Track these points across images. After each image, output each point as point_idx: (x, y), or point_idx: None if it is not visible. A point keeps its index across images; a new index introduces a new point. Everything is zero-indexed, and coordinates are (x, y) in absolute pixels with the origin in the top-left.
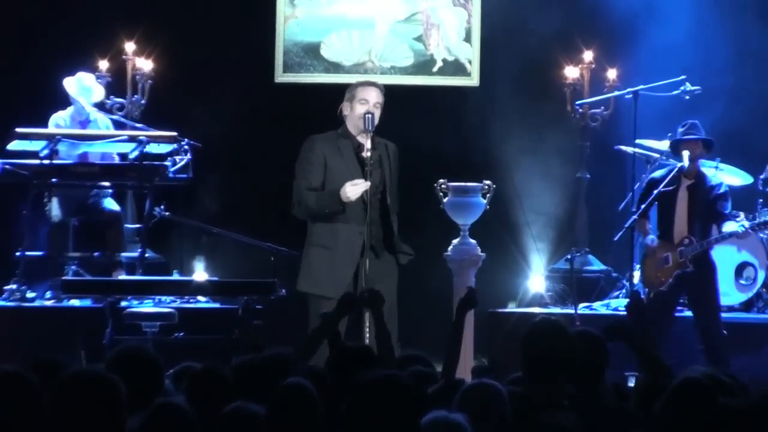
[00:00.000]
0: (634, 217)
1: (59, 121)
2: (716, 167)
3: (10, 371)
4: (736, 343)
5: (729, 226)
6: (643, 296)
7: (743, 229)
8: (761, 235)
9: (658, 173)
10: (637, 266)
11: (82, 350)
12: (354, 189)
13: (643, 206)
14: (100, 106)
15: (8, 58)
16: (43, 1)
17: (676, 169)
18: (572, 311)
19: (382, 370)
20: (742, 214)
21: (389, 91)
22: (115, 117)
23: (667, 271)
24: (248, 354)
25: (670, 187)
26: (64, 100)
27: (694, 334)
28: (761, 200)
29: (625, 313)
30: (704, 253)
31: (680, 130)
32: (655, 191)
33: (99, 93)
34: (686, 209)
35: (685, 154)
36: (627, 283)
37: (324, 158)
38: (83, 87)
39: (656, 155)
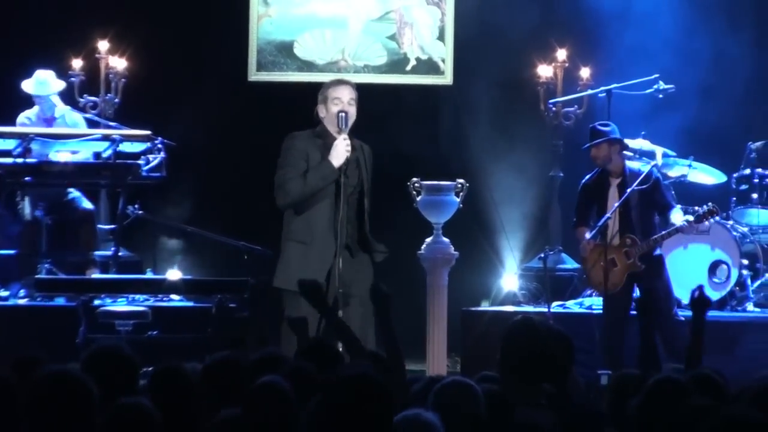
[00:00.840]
0: (608, 215)
1: (25, 120)
2: (689, 165)
3: None
4: (710, 341)
5: (675, 216)
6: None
7: (686, 223)
8: (734, 233)
9: (588, 178)
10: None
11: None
12: (343, 143)
13: (609, 213)
14: (73, 104)
15: None
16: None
17: (600, 171)
18: (545, 310)
19: (355, 367)
20: (701, 208)
21: (363, 90)
22: (88, 115)
23: (618, 274)
24: (230, 348)
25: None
26: (25, 102)
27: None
28: (735, 198)
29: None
30: (650, 251)
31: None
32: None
33: (56, 85)
34: (619, 209)
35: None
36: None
37: (306, 153)
38: (38, 81)
39: (630, 153)
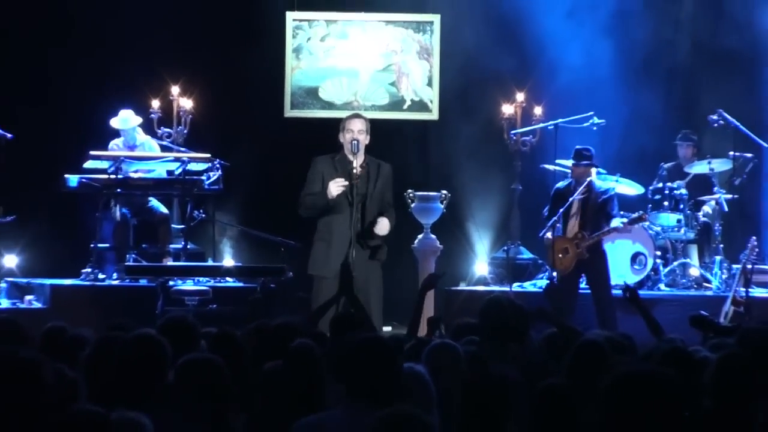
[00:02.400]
0: (554, 218)
1: (114, 146)
2: (617, 180)
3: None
4: (629, 314)
5: (615, 222)
6: (555, 279)
7: (621, 224)
8: (650, 231)
9: (561, 184)
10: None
11: None
12: (334, 185)
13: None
14: (153, 134)
15: (84, 98)
16: (110, 56)
17: (574, 182)
18: (508, 289)
19: (368, 333)
20: (634, 215)
21: (371, 124)
22: (164, 143)
23: (569, 259)
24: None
25: (581, 196)
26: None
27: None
28: (650, 205)
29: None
30: (596, 244)
31: (574, 156)
32: (571, 198)
33: (135, 120)
34: (579, 213)
35: (593, 171)
36: (548, 268)
37: (322, 174)
38: (122, 119)
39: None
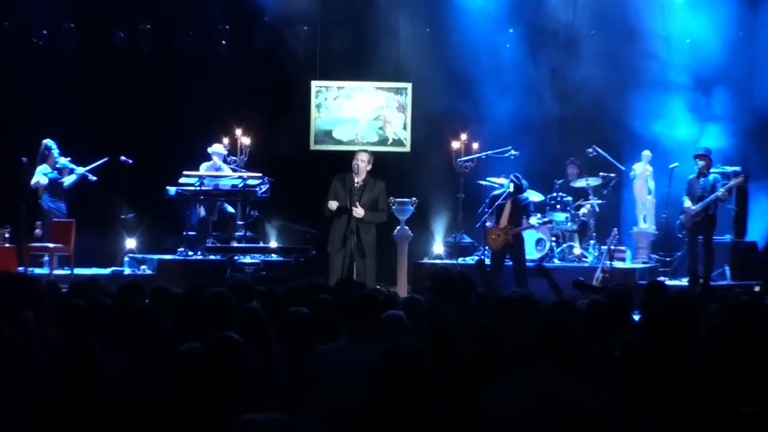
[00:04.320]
0: (485, 217)
1: (202, 168)
2: (527, 190)
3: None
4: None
5: (532, 220)
6: (484, 256)
7: (538, 224)
8: (548, 226)
9: (496, 192)
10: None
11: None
12: (332, 204)
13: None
14: (225, 160)
15: (179, 135)
16: (197, 107)
17: (505, 190)
18: (455, 262)
19: (363, 290)
20: (539, 214)
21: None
22: (232, 166)
23: (500, 242)
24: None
25: (503, 201)
26: (206, 157)
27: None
28: (548, 207)
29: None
30: (518, 234)
31: (512, 177)
32: (497, 202)
33: (220, 149)
34: (509, 211)
35: (512, 185)
36: (481, 248)
37: (335, 188)
38: (212, 151)
39: (497, 185)
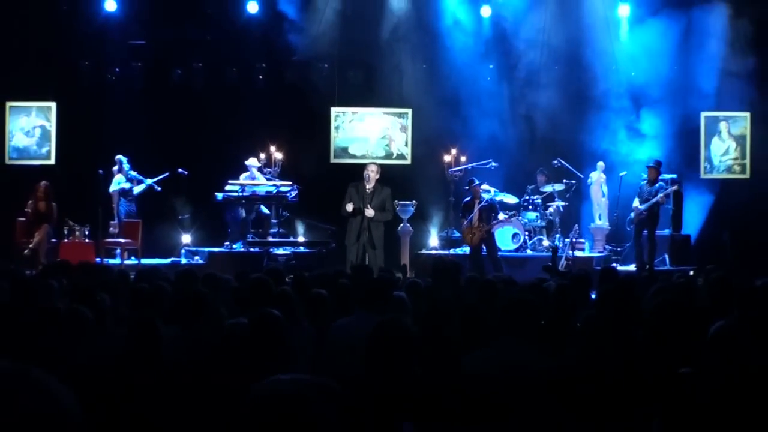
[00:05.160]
0: (464, 219)
1: (242, 177)
2: (504, 194)
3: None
4: (512, 266)
5: (500, 217)
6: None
7: (504, 218)
8: (523, 221)
9: (467, 198)
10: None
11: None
12: (349, 206)
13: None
14: (261, 170)
15: (224, 150)
16: (236, 128)
17: (472, 196)
18: (447, 252)
19: (374, 276)
20: (509, 213)
21: (379, 167)
22: (267, 176)
23: (475, 238)
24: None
25: (470, 202)
26: (244, 168)
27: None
28: (521, 207)
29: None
30: (489, 230)
31: (476, 182)
32: (477, 207)
33: (254, 162)
34: (478, 212)
35: (492, 188)
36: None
37: (350, 193)
38: (248, 163)
39: (491, 189)
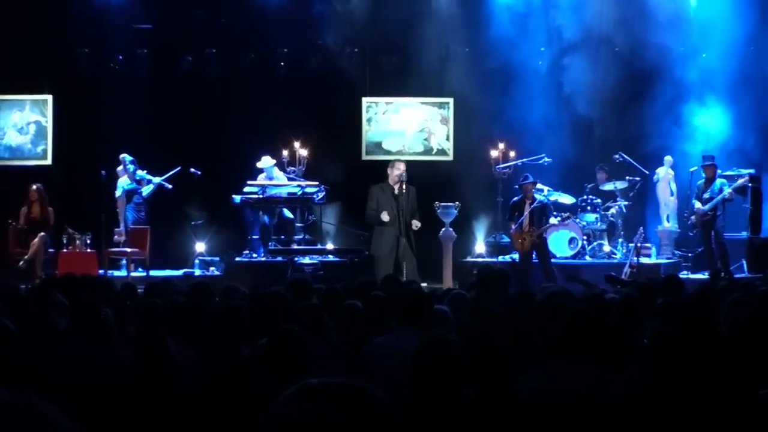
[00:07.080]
0: (512, 222)
1: (260, 178)
2: (560, 194)
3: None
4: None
5: (551, 221)
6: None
7: (557, 222)
8: (581, 224)
9: (516, 198)
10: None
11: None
12: (385, 216)
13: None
14: (284, 170)
15: (244, 149)
16: (260, 123)
17: (522, 196)
18: (495, 260)
19: (412, 286)
20: (563, 215)
21: (414, 164)
22: (290, 176)
23: (526, 244)
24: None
25: (519, 202)
26: (258, 171)
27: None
28: (579, 209)
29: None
30: (541, 234)
31: (530, 179)
32: (527, 208)
33: (270, 162)
34: (529, 214)
35: (545, 187)
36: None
37: (376, 196)
38: (260, 165)
39: (544, 188)
